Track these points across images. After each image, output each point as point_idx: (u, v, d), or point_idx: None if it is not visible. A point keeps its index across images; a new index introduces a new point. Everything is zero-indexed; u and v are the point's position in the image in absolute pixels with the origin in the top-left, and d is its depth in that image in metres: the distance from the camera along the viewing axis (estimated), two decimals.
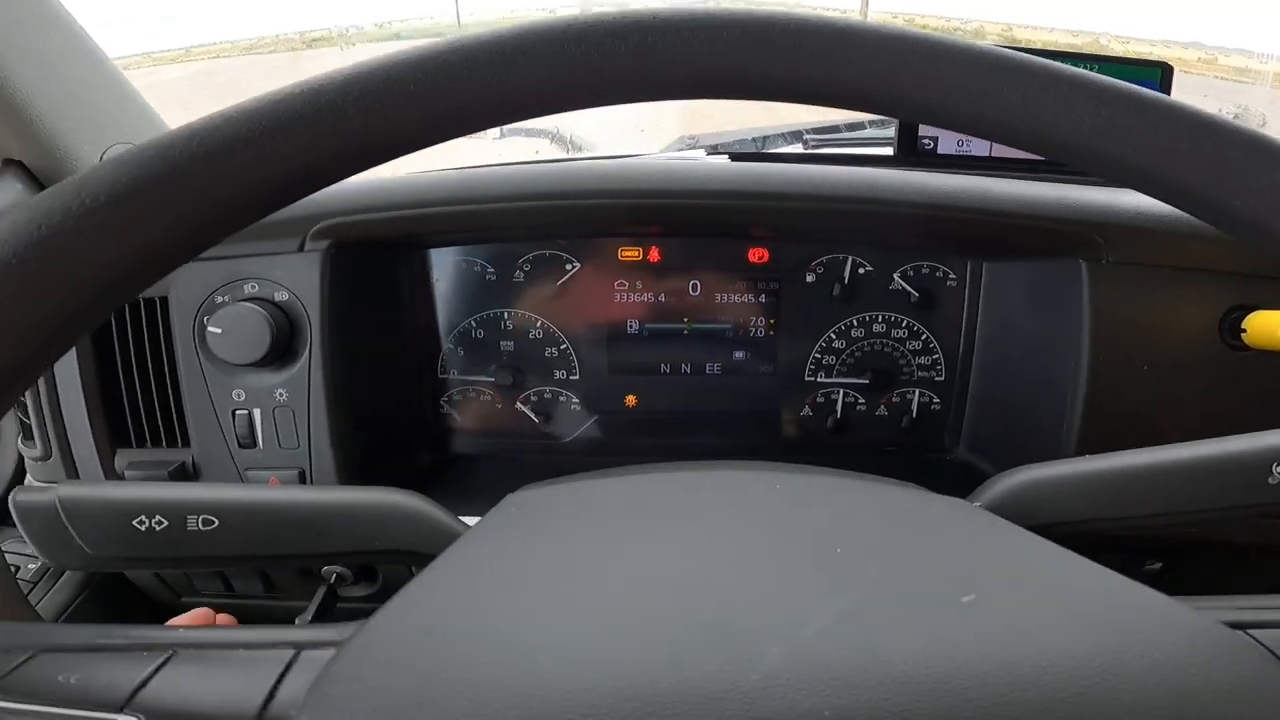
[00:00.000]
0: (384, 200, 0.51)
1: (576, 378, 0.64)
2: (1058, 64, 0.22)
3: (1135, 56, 0.68)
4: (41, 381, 0.52)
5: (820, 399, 0.65)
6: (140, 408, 0.53)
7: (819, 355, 0.64)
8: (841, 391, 0.64)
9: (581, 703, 0.17)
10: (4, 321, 0.21)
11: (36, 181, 0.56)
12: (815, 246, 0.62)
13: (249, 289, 0.50)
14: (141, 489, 0.31)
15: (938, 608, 0.21)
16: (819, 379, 0.64)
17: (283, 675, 0.21)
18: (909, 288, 0.62)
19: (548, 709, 0.17)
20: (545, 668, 0.19)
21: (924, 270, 0.62)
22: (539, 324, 0.62)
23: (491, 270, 0.61)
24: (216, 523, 0.31)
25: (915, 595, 0.22)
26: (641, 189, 0.55)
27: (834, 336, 0.63)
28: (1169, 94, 0.62)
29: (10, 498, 0.31)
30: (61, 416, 0.53)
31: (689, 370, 0.64)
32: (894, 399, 0.65)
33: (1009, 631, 0.20)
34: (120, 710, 0.18)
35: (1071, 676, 0.19)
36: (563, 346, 0.63)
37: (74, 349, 0.52)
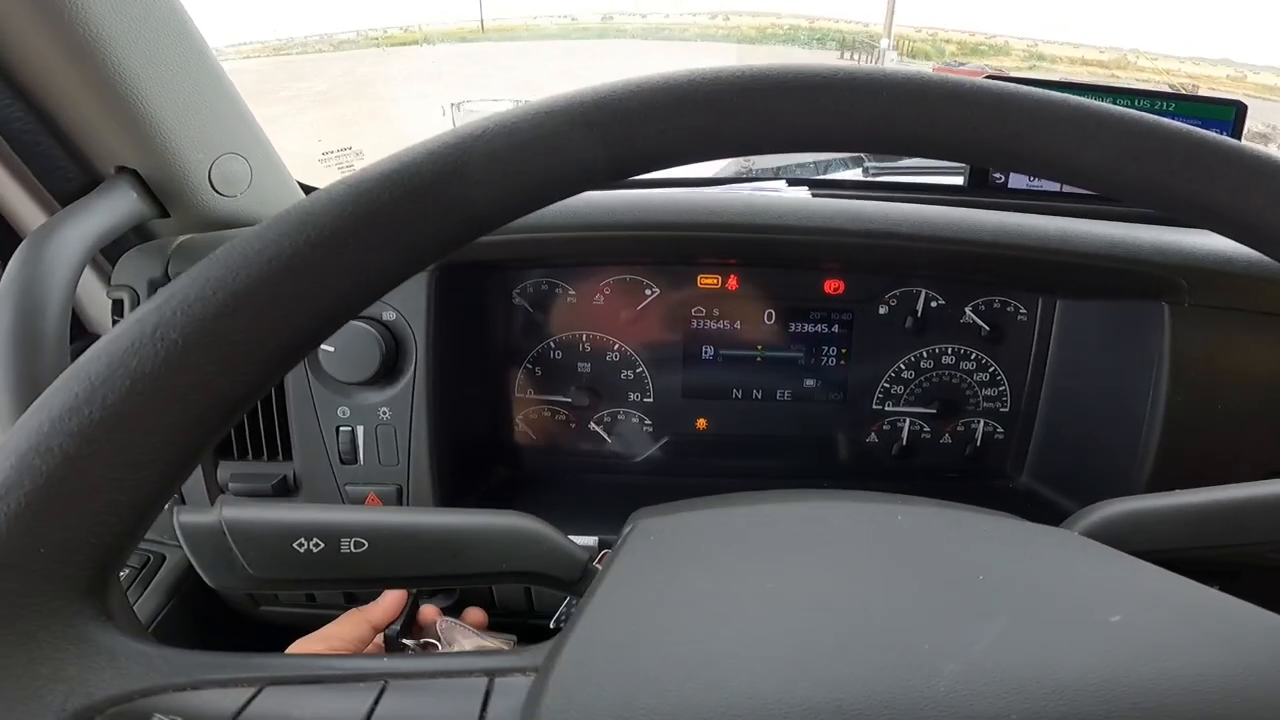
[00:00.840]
0: None
1: (650, 400, 0.65)
2: (1187, 128, 0.24)
3: (1209, 95, 0.69)
4: None
5: (886, 426, 0.66)
6: (245, 421, 0.55)
7: (888, 385, 0.65)
8: (908, 420, 0.66)
9: (787, 716, 0.19)
10: (232, 359, 0.23)
11: (147, 188, 0.58)
12: (889, 279, 0.63)
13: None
14: (299, 511, 0.33)
15: (1088, 626, 0.23)
16: (886, 407, 0.66)
17: (485, 702, 0.22)
18: (980, 321, 0.63)
19: None
20: (744, 685, 0.20)
21: (995, 305, 0.63)
22: (616, 347, 0.64)
23: (573, 293, 0.63)
24: (366, 545, 0.33)
25: (1062, 616, 0.24)
26: (724, 222, 0.57)
27: (903, 367, 0.65)
28: (1242, 129, 0.64)
29: (175, 518, 0.33)
30: None
31: (760, 396, 0.65)
32: (958, 428, 0.66)
33: (1159, 646, 0.22)
34: None
35: (1222, 687, 0.20)
36: (638, 369, 0.65)
37: None
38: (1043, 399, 0.64)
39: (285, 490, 0.54)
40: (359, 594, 0.56)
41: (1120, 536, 0.38)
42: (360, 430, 0.53)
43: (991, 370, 0.65)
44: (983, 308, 0.63)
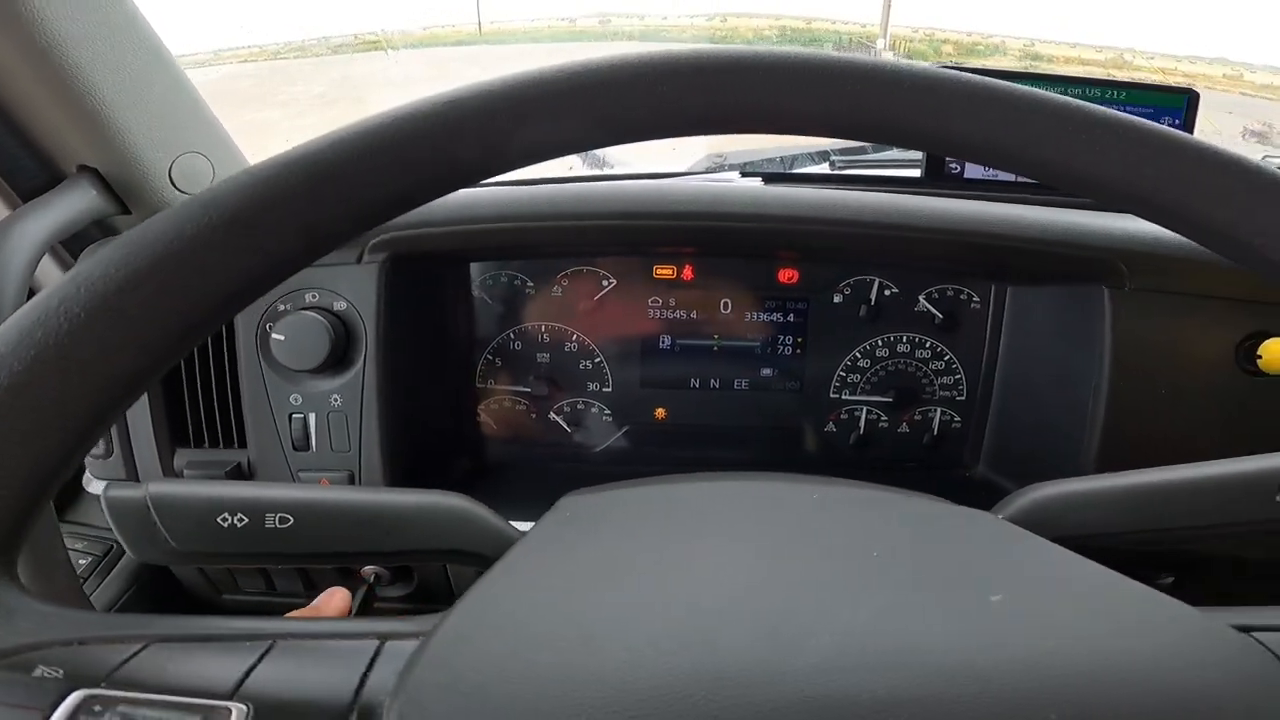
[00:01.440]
0: (437, 216, 0.54)
1: (609, 390, 0.66)
2: (1093, 108, 0.25)
3: (1161, 83, 0.69)
4: None
5: (844, 415, 0.67)
6: (200, 409, 0.56)
7: (844, 374, 0.66)
8: (865, 409, 0.66)
9: (660, 685, 0.20)
10: (133, 331, 0.24)
11: (108, 186, 0.59)
12: (843, 268, 0.64)
13: (310, 298, 0.53)
14: (225, 487, 0.34)
15: (969, 605, 0.23)
16: (843, 396, 0.66)
17: (370, 665, 0.23)
18: (934, 309, 0.64)
19: (626, 693, 0.20)
20: (621, 655, 0.21)
21: (949, 293, 0.64)
22: (575, 337, 0.65)
23: (531, 284, 0.64)
24: (292, 520, 0.34)
25: (947, 594, 0.24)
26: (677, 211, 0.57)
27: (859, 356, 0.65)
28: (1194, 118, 0.64)
29: (102, 494, 0.34)
30: (126, 416, 0.56)
31: (717, 385, 0.66)
32: (916, 417, 0.67)
33: (1035, 626, 0.22)
34: (229, 699, 0.21)
35: (1096, 667, 0.21)
36: (596, 360, 0.65)
37: None
38: (996, 387, 0.65)
39: (240, 476, 0.55)
40: (291, 570, 0.57)
41: (1048, 520, 0.38)
42: (312, 417, 0.53)
43: (947, 359, 0.66)
44: (936, 296, 0.64)
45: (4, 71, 0.51)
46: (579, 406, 0.66)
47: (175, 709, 0.19)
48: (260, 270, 0.24)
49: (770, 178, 0.65)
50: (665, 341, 0.65)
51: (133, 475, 0.57)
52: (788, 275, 0.64)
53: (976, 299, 0.64)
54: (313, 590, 0.62)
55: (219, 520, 0.33)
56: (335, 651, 0.23)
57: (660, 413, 0.67)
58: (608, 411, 0.67)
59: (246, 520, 0.33)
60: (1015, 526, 0.32)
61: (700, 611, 0.23)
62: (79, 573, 0.62)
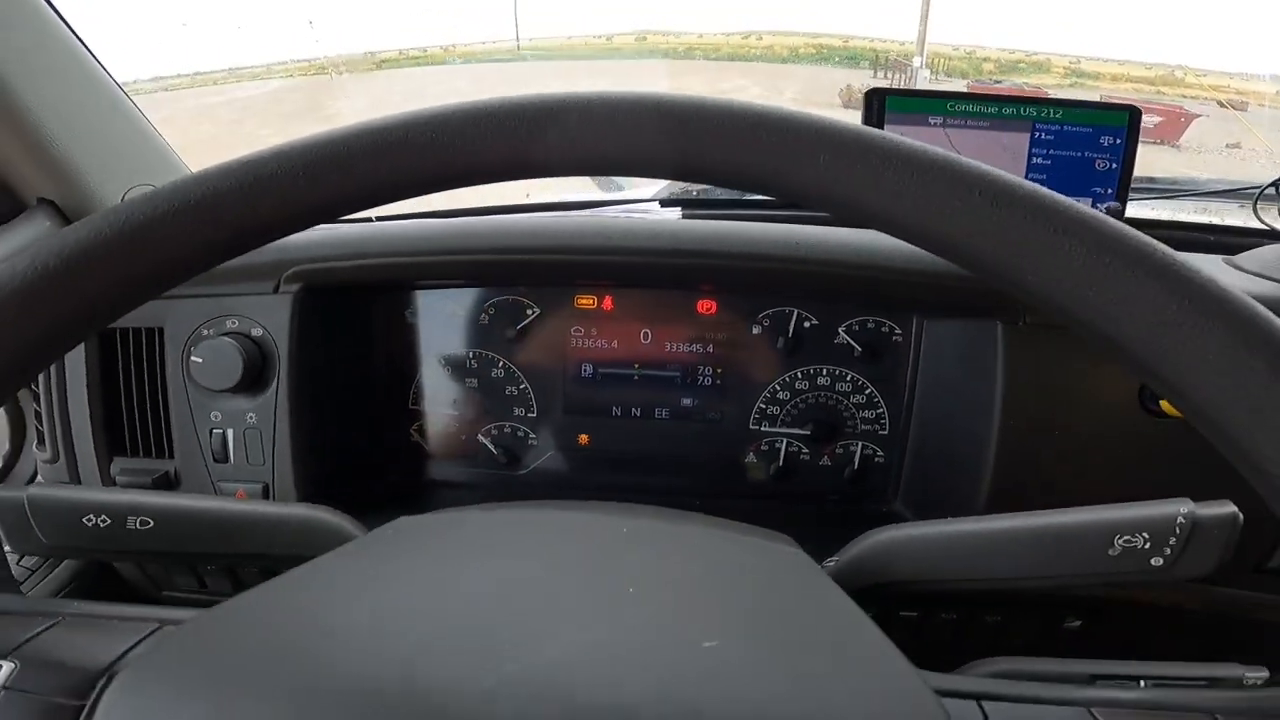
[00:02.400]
0: (352, 249, 0.57)
1: (534, 415, 0.68)
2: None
3: (1101, 101, 0.69)
4: (54, 394, 0.59)
5: (764, 447, 0.67)
6: (136, 423, 0.60)
7: (764, 405, 0.66)
8: (785, 441, 0.67)
9: (350, 691, 0.21)
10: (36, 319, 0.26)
11: (65, 218, 0.64)
12: (761, 300, 0.65)
13: (230, 324, 0.56)
14: (96, 493, 0.37)
15: (674, 649, 0.24)
16: (763, 428, 0.67)
17: (139, 642, 0.26)
18: (853, 342, 0.65)
19: (324, 696, 0.21)
20: (333, 661, 0.23)
21: (869, 325, 0.65)
22: (500, 364, 0.67)
23: (458, 312, 0.66)
24: (152, 524, 0.37)
25: (662, 635, 0.25)
26: (594, 245, 0.59)
27: (778, 388, 0.66)
28: (1136, 135, 0.64)
29: None
30: (71, 427, 0.60)
31: (639, 414, 0.67)
32: (837, 450, 0.67)
33: (712, 676, 0.23)
34: (3, 658, 0.23)
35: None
36: (522, 386, 0.67)
37: (83, 369, 0.59)
38: (913, 422, 0.65)
39: (167, 484, 0.59)
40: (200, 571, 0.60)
41: (878, 565, 0.39)
42: (230, 433, 0.57)
43: (868, 392, 0.66)
44: (856, 328, 0.65)
45: None
46: (506, 430, 0.69)
47: None
48: (109, 299, 0.27)
49: (689, 205, 0.67)
50: (587, 370, 0.67)
51: (75, 479, 0.61)
52: (706, 306, 0.65)
53: (899, 332, 0.65)
54: (240, 588, 0.65)
55: (84, 520, 0.36)
56: (115, 629, 0.26)
57: (584, 439, 0.68)
58: (533, 436, 0.68)
59: (110, 521, 0.36)
60: (815, 572, 0.33)
61: (428, 627, 0.25)
62: (29, 566, 0.66)
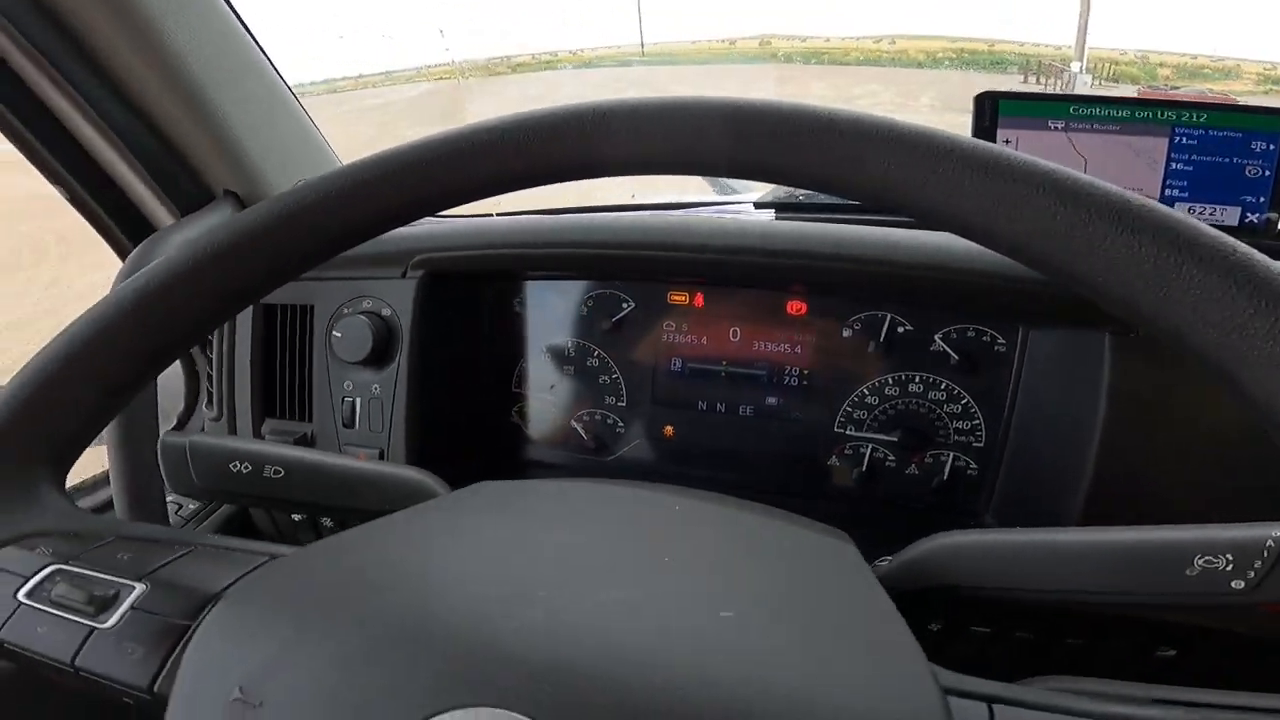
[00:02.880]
0: (472, 240, 0.64)
1: (624, 405, 0.71)
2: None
3: (1257, 105, 0.63)
4: (223, 361, 0.70)
5: (848, 451, 0.67)
6: (286, 388, 0.69)
7: (850, 409, 0.66)
8: (870, 446, 0.66)
9: (406, 624, 0.25)
10: (168, 317, 0.33)
11: (244, 208, 0.75)
12: (853, 303, 0.65)
13: (365, 304, 0.64)
14: (243, 443, 0.44)
15: (690, 615, 0.26)
16: (848, 431, 0.67)
17: (249, 572, 0.31)
18: (950, 350, 0.63)
19: (383, 634, 0.25)
20: (399, 597, 0.27)
21: (969, 333, 0.63)
22: (596, 354, 0.71)
23: (561, 303, 0.71)
24: (283, 473, 0.43)
25: (681, 602, 0.27)
26: (689, 244, 0.62)
27: (867, 392, 0.66)
28: None
29: (160, 440, 0.45)
30: (234, 389, 0.71)
31: (724, 409, 0.69)
32: (927, 459, 0.66)
33: (719, 642, 0.25)
34: (138, 579, 0.29)
35: (779, 703, 0.23)
36: (614, 376, 0.71)
37: (248, 341, 0.69)
38: (1010, 436, 0.62)
39: (304, 443, 0.67)
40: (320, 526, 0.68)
41: (938, 568, 0.38)
42: (358, 401, 0.64)
43: (964, 402, 0.64)
44: (954, 336, 0.63)
45: (156, 103, 0.67)
46: (596, 417, 0.73)
47: (98, 584, 0.28)
48: (269, 273, 0.33)
49: (783, 208, 0.68)
50: (676, 364, 0.69)
51: (233, 434, 0.72)
52: (796, 307, 0.66)
53: (1001, 341, 0.62)
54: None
55: (229, 466, 0.43)
56: (236, 560, 0.32)
57: (669, 431, 0.71)
58: (621, 424, 0.72)
59: (250, 469, 0.43)
60: (858, 567, 0.33)
61: (475, 577, 0.28)
62: (184, 516, 0.77)
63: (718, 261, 0.62)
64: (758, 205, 0.69)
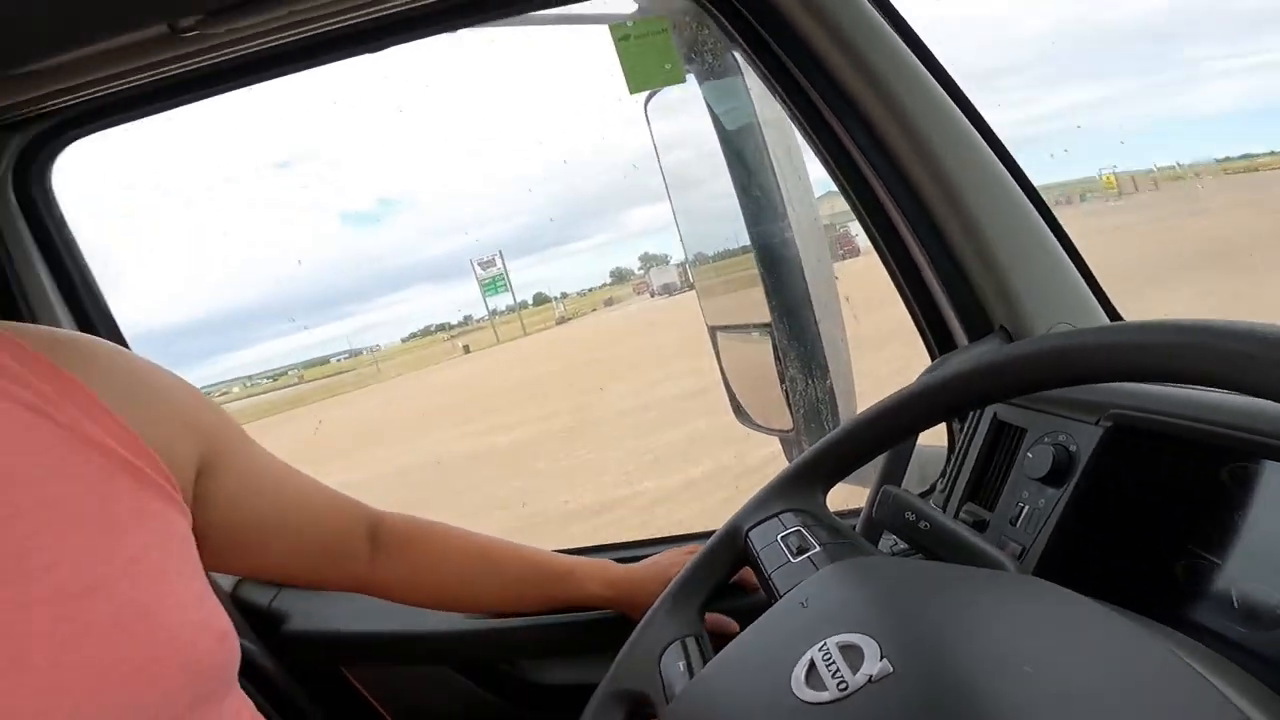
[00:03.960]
0: (1171, 408, 0.70)
1: None
2: None
3: None
4: (964, 452, 0.98)
5: None
6: (987, 483, 0.92)
7: None
8: None
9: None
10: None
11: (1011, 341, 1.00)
12: None
13: (1060, 438, 0.81)
14: (922, 505, 0.69)
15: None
16: None
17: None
18: None
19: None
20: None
21: None
22: None
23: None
24: (929, 527, 0.69)
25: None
26: None
27: None
28: None
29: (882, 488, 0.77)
30: (957, 483, 0.98)
31: None
32: None
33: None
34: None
35: None
36: None
37: (979, 444, 0.95)
38: None
39: (980, 528, 0.89)
40: None
41: None
42: (1025, 508, 0.82)
43: None
44: None
45: (949, 231, 0.98)
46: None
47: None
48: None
49: None
50: None
51: (943, 509, 0.99)
52: None
53: None
54: None
55: (905, 514, 0.71)
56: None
57: None
58: None
59: (928, 525, 0.69)
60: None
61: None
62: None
63: None
64: None
